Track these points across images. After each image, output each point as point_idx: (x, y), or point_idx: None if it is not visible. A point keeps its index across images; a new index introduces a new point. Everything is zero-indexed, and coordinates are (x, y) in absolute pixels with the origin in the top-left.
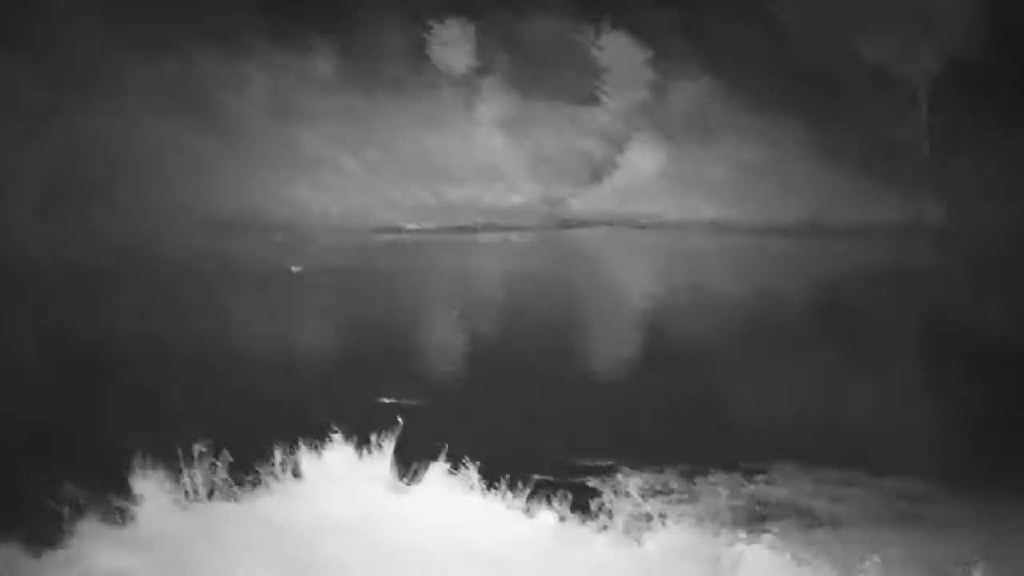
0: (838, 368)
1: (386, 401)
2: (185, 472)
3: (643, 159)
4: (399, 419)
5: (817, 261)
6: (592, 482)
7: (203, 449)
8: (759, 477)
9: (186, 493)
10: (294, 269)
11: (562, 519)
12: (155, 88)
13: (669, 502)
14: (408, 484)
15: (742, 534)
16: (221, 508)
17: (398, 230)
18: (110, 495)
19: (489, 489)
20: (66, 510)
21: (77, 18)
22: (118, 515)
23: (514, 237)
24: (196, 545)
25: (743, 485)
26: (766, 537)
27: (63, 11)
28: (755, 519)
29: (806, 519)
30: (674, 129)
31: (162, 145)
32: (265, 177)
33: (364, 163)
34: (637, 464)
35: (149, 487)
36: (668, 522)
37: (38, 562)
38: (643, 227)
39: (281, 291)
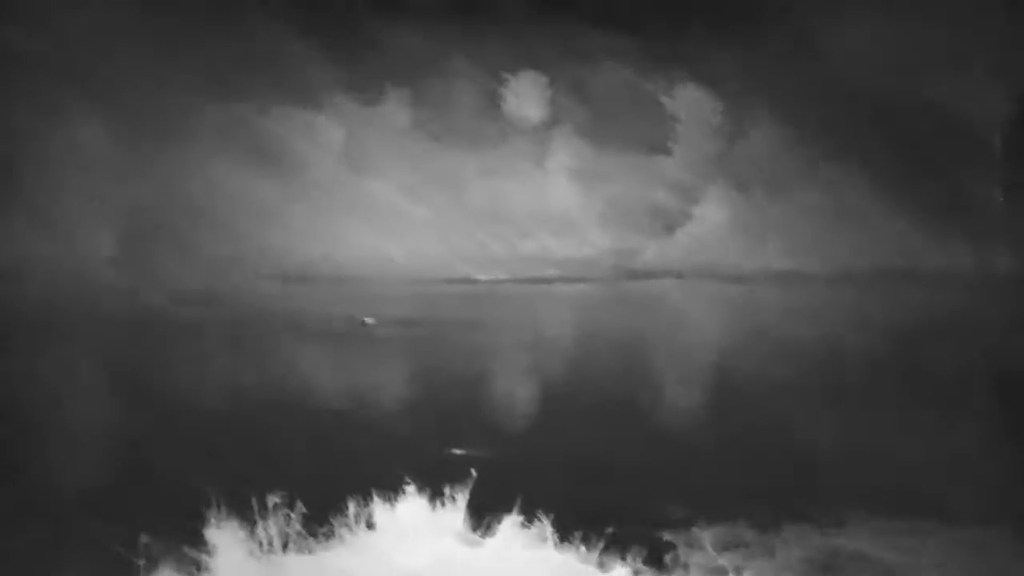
0: (911, 417)
1: (459, 453)
2: (259, 523)
3: (714, 209)
4: (472, 471)
5: (889, 310)
6: (666, 535)
7: (277, 500)
8: (832, 529)
9: (260, 544)
10: (366, 320)
11: (636, 573)
12: (228, 138)
13: (743, 555)
14: (481, 536)
15: None
16: (295, 560)
17: (469, 280)
18: (184, 546)
19: (563, 542)
20: (141, 561)
21: (149, 69)
22: (192, 566)
23: (585, 288)
24: None
25: (817, 537)
26: None
27: (135, 63)
28: (829, 571)
29: (880, 570)
30: (746, 179)
31: (234, 195)
32: (337, 227)
33: (436, 213)
34: (711, 517)
35: (223, 538)
36: (743, 575)
37: None
38: (714, 278)
39: (353, 342)
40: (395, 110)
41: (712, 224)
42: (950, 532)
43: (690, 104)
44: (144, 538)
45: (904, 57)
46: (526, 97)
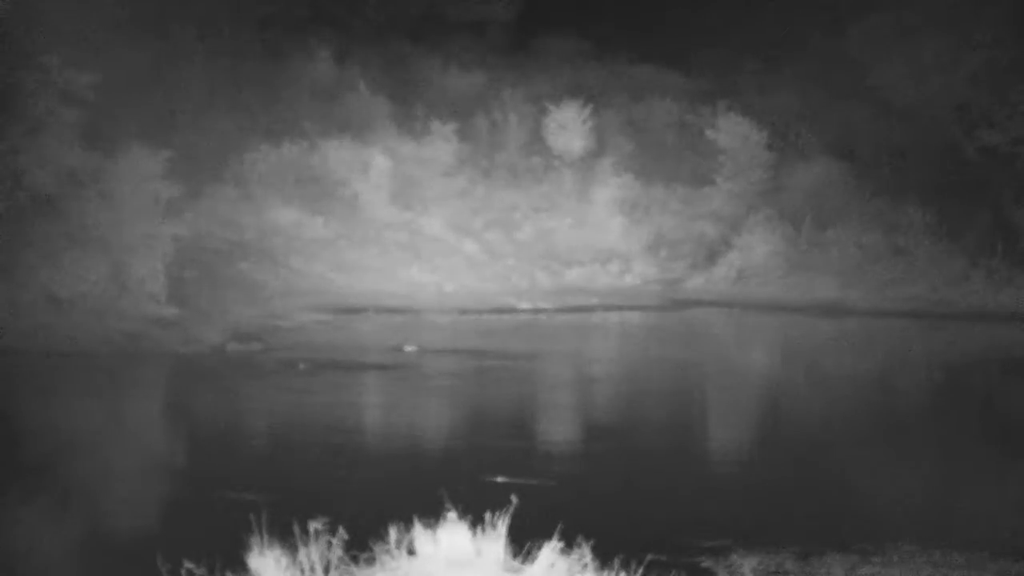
0: (956, 450)
1: (500, 480)
2: (301, 549)
3: (760, 240)
4: (513, 498)
5: (936, 344)
6: (706, 562)
7: (319, 527)
8: (875, 559)
9: (302, 571)
10: (407, 348)
11: None
12: (279, 174)
13: None
14: (522, 563)
15: None
16: None
17: (514, 310)
18: (227, 573)
19: (603, 568)
20: None
21: (203, 108)
22: None
23: (630, 317)
24: None
25: (859, 566)
26: None
27: (189, 101)
28: None
29: None
30: (792, 211)
31: (285, 230)
32: (385, 259)
33: (481, 245)
34: (752, 544)
35: (266, 565)
36: None
37: None
38: (759, 308)
39: (398, 371)
40: (442, 145)
41: (757, 255)
42: (994, 564)
43: (736, 136)
44: (188, 565)
45: (953, 98)
46: (571, 131)
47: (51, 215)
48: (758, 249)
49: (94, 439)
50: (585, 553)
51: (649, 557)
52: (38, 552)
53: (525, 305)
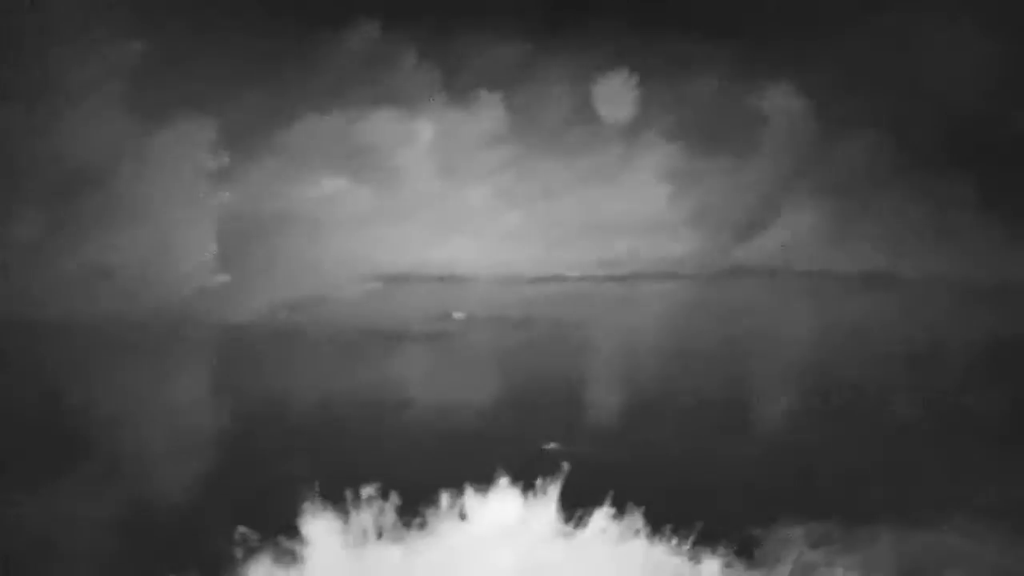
0: (1004, 420)
1: (551, 447)
2: (354, 515)
3: (805, 210)
4: (564, 464)
5: (978, 313)
6: (757, 530)
7: (371, 493)
8: (926, 526)
9: (354, 535)
10: (456, 315)
11: (727, 566)
12: (326, 145)
13: (834, 551)
14: (573, 528)
15: None
16: (388, 550)
17: (560, 279)
18: (281, 537)
19: (654, 535)
20: (239, 551)
21: (250, 79)
22: (288, 557)
23: (675, 286)
24: None
25: (908, 534)
26: None
27: (237, 73)
28: (920, 566)
29: (976, 568)
30: (838, 182)
31: (332, 199)
32: (432, 229)
33: (527, 214)
34: (802, 512)
35: (319, 530)
36: (834, 570)
37: None
38: (804, 277)
39: (447, 339)
40: (488, 115)
41: (802, 224)
42: None
43: (782, 107)
44: (242, 530)
45: (1008, 68)
46: (617, 101)
47: (99, 186)
48: (803, 218)
49: (146, 408)
50: (636, 519)
51: (701, 524)
52: (97, 517)
53: (572, 273)
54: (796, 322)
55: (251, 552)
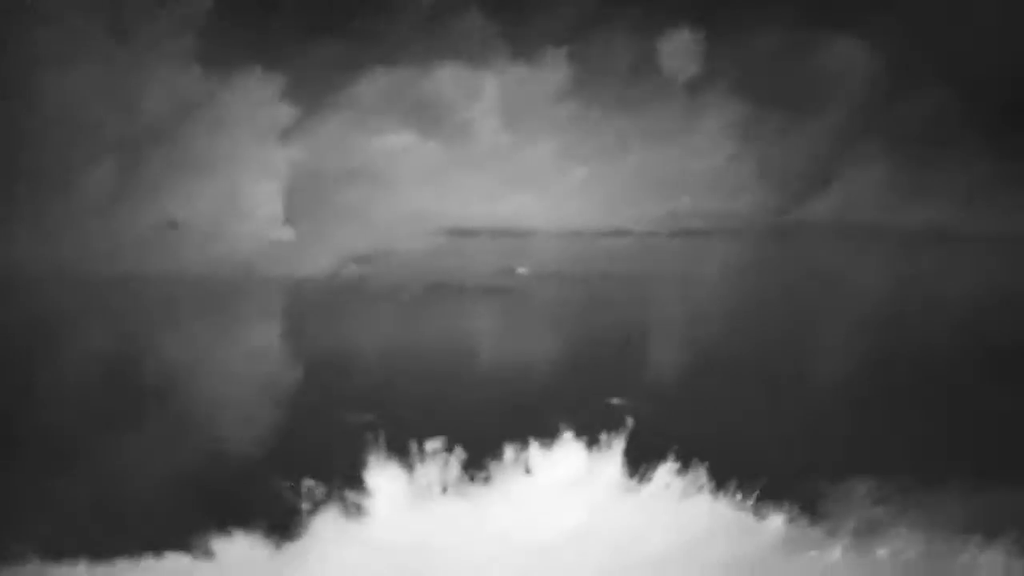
0: None
1: (615, 402)
2: (419, 469)
3: (871, 166)
4: (628, 419)
5: None
6: (822, 485)
7: (436, 446)
8: (994, 483)
9: (419, 489)
10: (520, 271)
11: (791, 522)
12: (391, 99)
13: (901, 507)
14: (638, 483)
15: (976, 540)
16: (453, 504)
17: (625, 234)
18: (346, 490)
19: (718, 490)
20: (305, 504)
21: (316, 31)
22: (354, 509)
23: (739, 242)
24: (429, 540)
25: (975, 491)
26: (1002, 543)
27: (302, 24)
28: (986, 525)
29: None
30: (904, 137)
31: (397, 154)
32: (495, 184)
33: (591, 169)
34: (869, 468)
35: (384, 483)
36: (900, 527)
37: (279, 552)
38: (869, 234)
39: (509, 293)
40: (554, 70)
41: (868, 181)
42: None
43: (847, 61)
44: (308, 483)
45: None
46: (681, 56)
47: (166, 140)
48: (869, 174)
49: (212, 361)
50: (700, 475)
51: (765, 480)
52: (161, 471)
53: (636, 229)
54: (861, 278)
55: (317, 505)
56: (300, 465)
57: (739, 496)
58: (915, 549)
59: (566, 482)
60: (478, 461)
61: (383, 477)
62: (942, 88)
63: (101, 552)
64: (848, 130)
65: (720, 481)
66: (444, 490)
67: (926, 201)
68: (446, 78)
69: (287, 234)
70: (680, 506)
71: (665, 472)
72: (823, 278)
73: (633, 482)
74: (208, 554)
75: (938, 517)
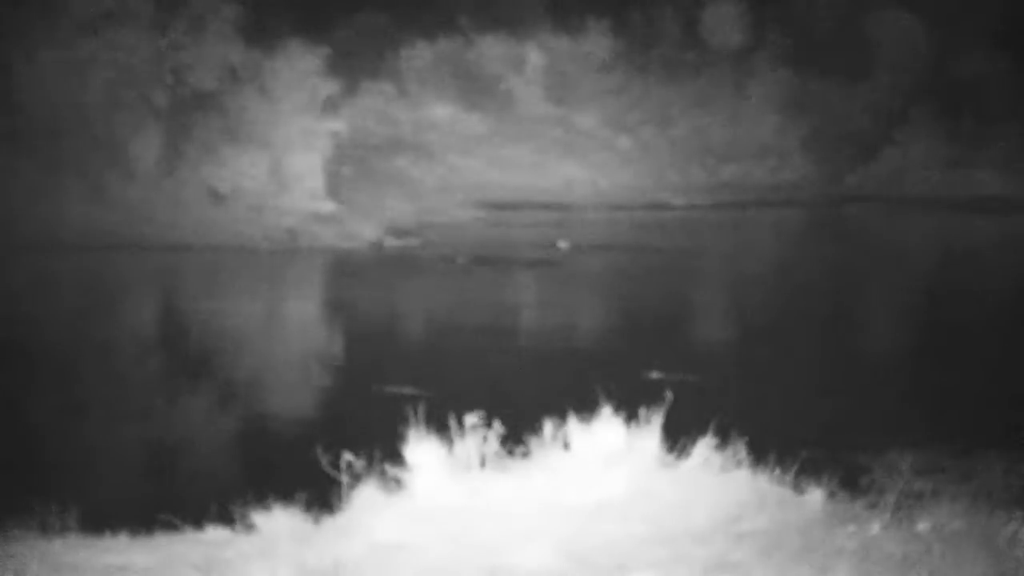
0: None
1: (655, 376)
2: (458, 443)
3: (919, 135)
4: (668, 393)
5: None
6: (862, 458)
7: (476, 421)
8: None
9: (458, 463)
10: (560, 244)
11: (831, 495)
12: (436, 71)
13: (942, 480)
14: (676, 458)
15: (1020, 513)
16: (492, 478)
17: (669, 206)
18: (385, 464)
19: (757, 464)
20: (345, 479)
21: (360, 6)
22: (393, 483)
23: (786, 213)
24: (468, 515)
25: (1018, 463)
26: None
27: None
28: None
29: None
30: (950, 104)
31: (441, 126)
32: (540, 155)
33: (636, 141)
34: (910, 440)
35: (423, 457)
36: (941, 500)
37: (317, 527)
38: (918, 203)
39: (550, 266)
40: (597, 40)
41: (916, 150)
42: None
43: (896, 30)
44: (347, 456)
45: None
46: (726, 25)
47: (212, 111)
48: (917, 144)
49: (256, 333)
50: (739, 449)
51: (804, 453)
52: (206, 441)
53: (679, 201)
54: (908, 248)
55: (357, 478)
56: (340, 437)
57: (778, 471)
58: (957, 522)
59: (605, 457)
60: (517, 436)
61: (422, 451)
62: (991, 55)
63: (142, 525)
64: (897, 99)
65: (759, 456)
66: (482, 464)
67: (975, 171)
68: (489, 50)
69: (330, 206)
70: (719, 481)
71: (704, 447)
72: (868, 250)
73: (671, 457)
74: (249, 527)
75: (981, 490)
